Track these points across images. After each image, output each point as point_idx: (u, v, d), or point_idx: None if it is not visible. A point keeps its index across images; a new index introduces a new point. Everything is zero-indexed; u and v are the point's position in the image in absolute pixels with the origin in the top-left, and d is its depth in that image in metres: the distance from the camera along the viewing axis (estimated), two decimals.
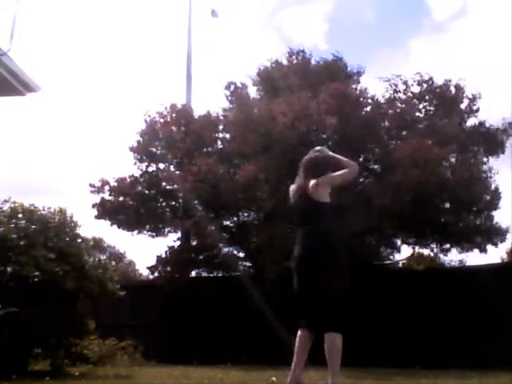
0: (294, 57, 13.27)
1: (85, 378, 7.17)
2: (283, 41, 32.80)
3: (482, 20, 30.08)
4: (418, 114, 12.14)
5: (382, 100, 12.26)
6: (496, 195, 11.71)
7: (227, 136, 13.12)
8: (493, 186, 11.71)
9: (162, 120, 12.87)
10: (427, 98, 12.09)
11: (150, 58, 28.90)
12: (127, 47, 31.38)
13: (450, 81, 12.00)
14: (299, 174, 4.43)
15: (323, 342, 4.07)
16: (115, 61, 31.59)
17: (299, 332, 4.20)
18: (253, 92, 13.56)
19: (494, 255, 17.12)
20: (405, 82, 12.06)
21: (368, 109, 11.85)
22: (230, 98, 13.21)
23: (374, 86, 12.92)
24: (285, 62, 13.32)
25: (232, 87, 13.10)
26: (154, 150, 12.92)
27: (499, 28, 27.68)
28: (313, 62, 13.27)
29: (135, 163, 12.89)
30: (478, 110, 12.13)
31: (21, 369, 7.28)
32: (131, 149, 12.81)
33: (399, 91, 12.12)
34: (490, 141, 12.01)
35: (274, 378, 4.96)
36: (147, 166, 13.01)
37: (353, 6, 30.21)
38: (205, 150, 12.67)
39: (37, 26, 26.29)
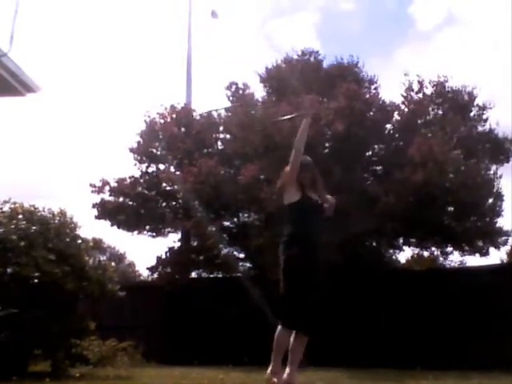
0: (306, 57, 13.25)
1: (85, 379, 7.17)
2: (273, 48, 33.13)
3: (468, 29, 30.38)
4: (427, 116, 12.14)
5: (393, 99, 12.27)
6: (499, 199, 11.71)
7: (228, 137, 13.11)
8: (495, 190, 11.70)
9: (162, 121, 12.87)
10: (437, 101, 12.10)
11: (150, 59, 28.89)
12: (127, 48, 31.37)
13: (464, 86, 12.05)
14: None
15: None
16: (115, 61, 31.66)
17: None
18: (259, 91, 13.53)
19: (493, 256, 17.19)
20: (420, 82, 12.05)
21: (377, 110, 11.78)
22: (231, 98, 13.18)
23: (385, 88, 12.93)
24: (296, 61, 13.26)
25: (233, 87, 13.08)
26: (153, 150, 12.92)
27: (488, 36, 27.87)
28: (324, 64, 13.27)
29: (135, 164, 12.92)
30: (486, 120, 12.20)
31: (21, 370, 7.28)
32: (131, 150, 12.82)
33: (413, 90, 12.10)
34: (497, 149, 12.08)
35: (275, 379, 4.94)
36: (147, 167, 13.02)
37: (339, 16, 30.68)
38: (205, 150, 12.66)
39: (37, 26, 26.27)
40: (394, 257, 13.76)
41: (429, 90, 12.13)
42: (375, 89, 12.85)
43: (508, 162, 12.23)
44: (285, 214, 4.44)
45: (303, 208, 4.36)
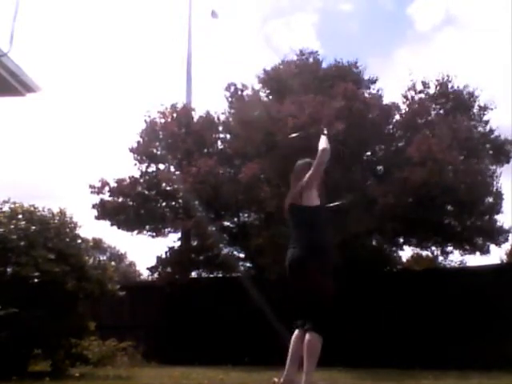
0: (304, 57, 13.24)
1: (85, 379, 7.17)
2: (272, 49, 33.24)
3: (467, 29, 30.43)
4: (429, 116, 12.13)
5: (393, 99, 12.27)
6: (498, 198, 11.70)
7: (228, 136, 13.12)
8: (495, 189, 11.69)
9: (162, 120, 12.87)
10: (440, 101, 12.09)
11: (151, 59, 28.89)
12: (128, 48, 31.35)
13: (466, 85, 12.07)
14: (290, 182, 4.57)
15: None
16: (115, 61, 31.64)
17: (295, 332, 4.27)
18: (258, 90, 13.49)
19: (493, 256, 17.22)
20: (424, 82, 12.05)
21: (377, 110, 11.75)
22: (230, 99, 13.18)
23: (384, 88, 12.94)
24: (295, 62, 13.25)
25: (232, 88, 13.08)
26: (154, 150, 12.92)
27: (488, 37, 27.91)
28: (324, 64, 13.24)
29: (135, 164, 12.92)
30: (487, 122, 12.21)
31: (21, 369, 7.28)
32: (131, 149, 12.82)
33: (415, 89, 12.10)
34: (497, 150, 12.09)
35: (275, 379, 4.93)
36: (147, 167, 13.01)
37: (338, 17, 30.81)
38: (205, 150, 12.66)
39: (37, 26, 26.28)
40: (394, 256, 13.76)
41: (431, 90, 12.14)
42: (375, 89, 12.86)
43: (508, 163, 12.23)
44: (306, 215, 4.35)
45: (324, 213, 4.42)
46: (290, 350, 4.23)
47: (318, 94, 11.04)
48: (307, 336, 4.09)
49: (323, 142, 4.43)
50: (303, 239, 4.27)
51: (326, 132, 4.58)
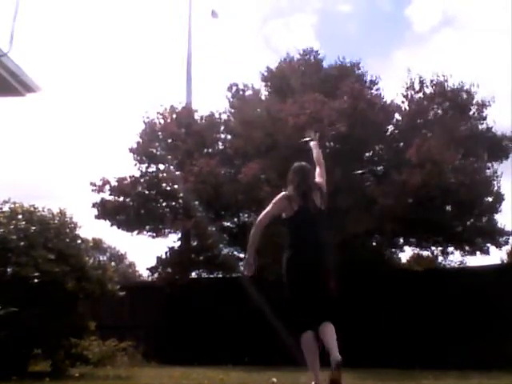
0: (307, 56, 13.24)
1: (85, 379, 7.17)
2: (272, 49, 33.32)
3: (464, 30, 30.46)
4: (427, 116, 12.12)
5: (393, 100, 12.26)
6: (498, 198, 11.67)
7: (228, 137, 13.12)
8: (495, 189, 11.67)
9: (161, 121, 12.88)
10: (438, 100, 12.08)
11: (151, 59, 28.90)
12: (128, 48, 31.35)
13: (463, 84, 12.04)
14: (299, 183, 4.47)
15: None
16: (115, 62, 31.66)
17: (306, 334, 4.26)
18: (260, 90, 13.51)
19: (494, 256, 17.15)
20: (421, 82, 12.05)
21: (379, 110, 11.73)
22: (231, 99, 13.19)
23: (384, 89, 12.97)
24: (297, 60, 13.25)
25: (234, 89, 13.10)
26: (153, 150, 12.92)
27: (486, 36, 27.93)
28: (325, 64, 13.29)
29: (135, 164, 12.93)
30: (485, 117, 12.18)
31: (21, 369, 7.27)
32: (131, 150, 12.82)
33: (414, 89, 12.10)
34: (495, 147, 12.07)
35: (274, 379, 4.92)
36: (147, 167, 13.02)
37: (336, 18, 30.87)
38: (206, 150, 12.67)
39: (37, 26, 26.28)
40: (394, 257, 13.75)
41: (429, 90, 12.13)
42: (377, 89, 12.86)
43: (507, 159, 12.20)
44: (324, 218, 4.47)
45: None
46: (309, 355, 4.23)
47: (321, 94, 11.06)
48: (325, 324, 4.27)
49: (319, 151, 4.72)
50: (320, 240, 4.36)
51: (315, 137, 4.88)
